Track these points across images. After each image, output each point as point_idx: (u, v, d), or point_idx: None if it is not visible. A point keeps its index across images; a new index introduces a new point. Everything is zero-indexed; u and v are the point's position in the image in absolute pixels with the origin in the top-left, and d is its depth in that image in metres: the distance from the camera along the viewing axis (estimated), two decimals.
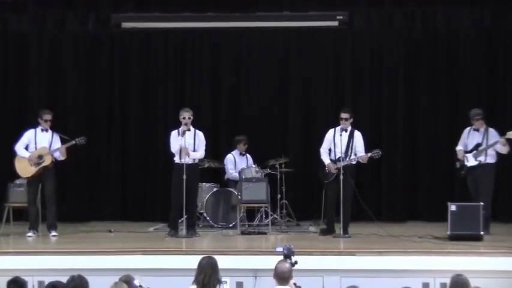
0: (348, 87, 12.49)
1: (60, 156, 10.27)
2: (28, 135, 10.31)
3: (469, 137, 10.23)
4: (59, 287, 5.63)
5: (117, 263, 8.23)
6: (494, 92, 12.13)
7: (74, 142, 10.25)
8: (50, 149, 10.21)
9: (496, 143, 9.98)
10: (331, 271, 8.23)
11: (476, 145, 10.13)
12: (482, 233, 9.32)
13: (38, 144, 10.26)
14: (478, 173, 10.05)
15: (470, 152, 10.15)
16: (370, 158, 10.04)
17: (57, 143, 10.30)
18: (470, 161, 10.11)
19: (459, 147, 10.27)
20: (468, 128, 10.28)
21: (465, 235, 9.26)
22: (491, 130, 10.16)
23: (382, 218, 11.38)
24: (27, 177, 10.24)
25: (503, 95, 12.12)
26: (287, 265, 6.09)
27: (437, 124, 12.23)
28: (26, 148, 10.24)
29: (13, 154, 10.30)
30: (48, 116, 10.33)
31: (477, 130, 10.17)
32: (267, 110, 12.59)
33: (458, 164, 10.27)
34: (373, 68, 12.53)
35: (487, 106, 10.55)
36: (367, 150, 10.06)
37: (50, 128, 10.36)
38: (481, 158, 10.05)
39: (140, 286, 6.76)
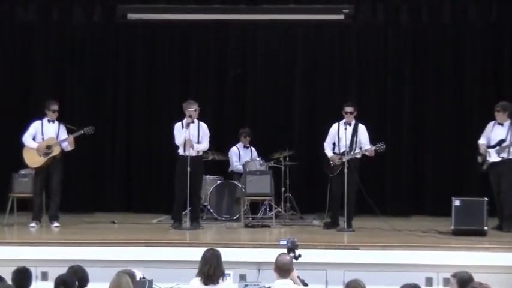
0: (353, 81, 12.47)
1: (67, 146, 10.25)
2: (35, 126, 10.28)
3: (493, 131, 9.88)
4: (68, 281, 5.62)
5: (120, 254, 8.24)
6: (501, 85, 12.05)
7: (82, 132, 10.23)
8: (57, 140, 10.22)
9: None
10: (334, 265, 8.23)
11: (499, 141, 9.79)
12: (486, 228, 9.28)
13: (45, 135, 10.22)
14: (501, 169, 9.75)
15: (493, 147, 9.81)
16: (375, 152, 10.01)
17: (63, 133, 10.29)
18: (493, 157, 9.79)
19: (482, 141, 9.92)
20: (492, 122, 9.94)
21: (469, 230, 9.24)
22: None
23: (386, 212, 11.34)
24: (35, 168, 10.24)
25: (510, 88, 12.05)
26: (287, 258, 6.09)
27: (443, 118, 12.18)
28: (33, 139, 10.22)
29: (20, 145, 10.27)
30: (55, 107, 10.30)
31: (501, 124, 9.85)
32: (272, 103, 12.58)
33: (480, 159, 9.90)
34: (379, 61, 12.50)
35: (494, 99, 10.43)
36: (371, 143, 10.04)
37: (57, 119, 10.35)
38: (504, 155, 9.73)
39: (143, 278, 6.79)
